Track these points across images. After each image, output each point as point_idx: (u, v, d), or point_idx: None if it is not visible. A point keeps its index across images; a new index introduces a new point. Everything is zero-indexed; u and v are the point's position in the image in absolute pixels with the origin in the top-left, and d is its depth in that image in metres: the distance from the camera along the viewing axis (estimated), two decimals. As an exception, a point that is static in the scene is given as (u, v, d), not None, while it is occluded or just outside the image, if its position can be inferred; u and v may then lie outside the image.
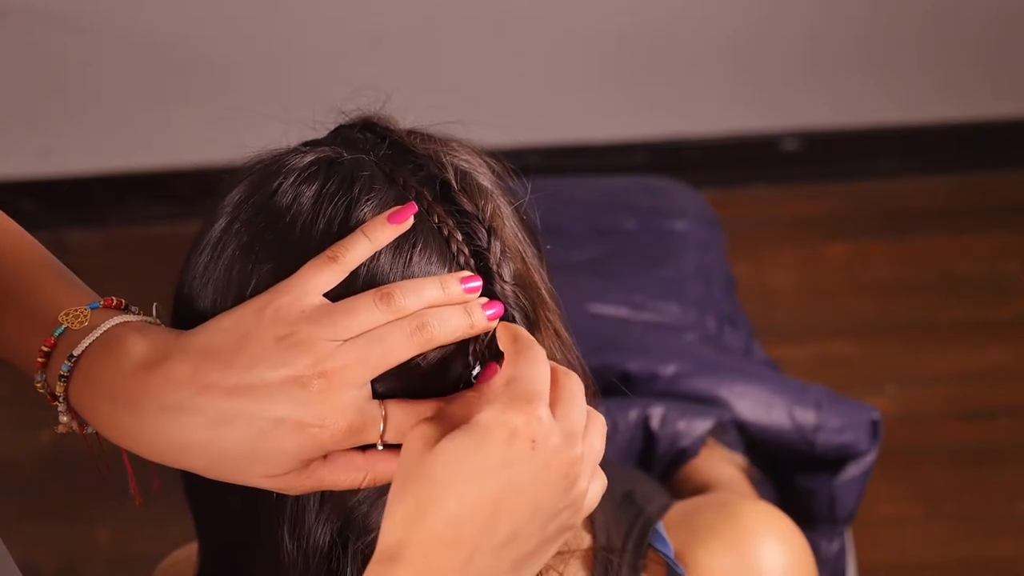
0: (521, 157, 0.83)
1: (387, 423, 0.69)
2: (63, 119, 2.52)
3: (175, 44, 2.45)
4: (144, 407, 0.68)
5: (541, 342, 0.76)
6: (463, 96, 2.46)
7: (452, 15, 2.43)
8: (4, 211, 0.81)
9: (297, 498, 0.73)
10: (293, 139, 0.78)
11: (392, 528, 0.66)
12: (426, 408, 0.71)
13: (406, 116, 0.80)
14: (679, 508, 0.97)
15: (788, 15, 2.45)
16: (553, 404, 0.69)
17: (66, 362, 0.70)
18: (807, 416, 1.39)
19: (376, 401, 0.70)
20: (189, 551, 0.92)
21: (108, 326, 0.71)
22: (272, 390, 0.67)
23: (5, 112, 2.52)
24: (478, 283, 0.72)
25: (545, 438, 0.67)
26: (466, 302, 0.72)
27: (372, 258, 0.71)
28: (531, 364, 0.69)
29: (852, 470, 1.38)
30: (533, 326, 0.76)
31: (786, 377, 1.50)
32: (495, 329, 0.73)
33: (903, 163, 2.58)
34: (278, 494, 0.72)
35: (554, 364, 0.72)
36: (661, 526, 0.93)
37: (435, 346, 0.71)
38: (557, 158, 2.52)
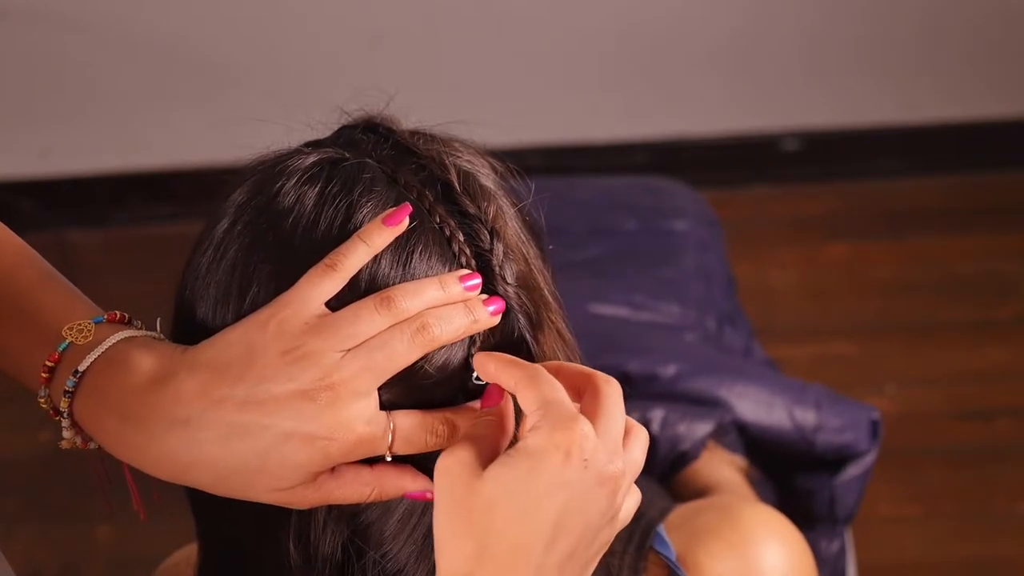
0: (521, 157, 0.82)
1: (395, 434, 0.69)
2: (63, 119, 2.52)
3: (175, 44, 2.45)
4: (152, 423, 0.68)
5: (544, 344, 0.76)
6: (463, 96, 2.46)
7: (452, 15, 2.43)
8: (4, 211, 0.80)
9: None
10: (295, 140, 0.78)
11: (460, 562, 0.67)
12: (434, 419, 0.71)
13: (409, 116, 0.79)
14: (680, 511, 0.97)
15: (787, 15, 2.45)
16: (595, 414, 0.69)
17: (71, 378, 0.70)
18: (807, 416, 1.39)
19: (384, 412, 0.69)
20: (189, 551, 0.92)
21: (113, 341, 0.71)
22: (280, 404, 0.67)
23: (5, 112, 2.52)
24: (477, 280, 0.72)
25: (593, 454, 0.67)
26: (467, 300, 0.72)
27: (374, 263, 0.71)
28: (554, 388, 0.69)
29: (852, 470, 1.38)
30: (536, 328, 0.76)
31: (786, 377, 1.50)
32: (492, 363, 0.72)
33: (903, 163, 2.58)
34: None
35: (596, 371, 0.71)
36: (662, 529, 0.93)
37: (439, 346, 0.70)
38: (557, 158, 2.52)
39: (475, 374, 0.73)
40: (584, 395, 0.71)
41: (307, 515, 0.73)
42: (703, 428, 1.34)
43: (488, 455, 0.68)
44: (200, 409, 0.68)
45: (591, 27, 2.46)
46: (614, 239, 1.64)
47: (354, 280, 0.70)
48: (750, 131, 2.57)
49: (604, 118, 2.55)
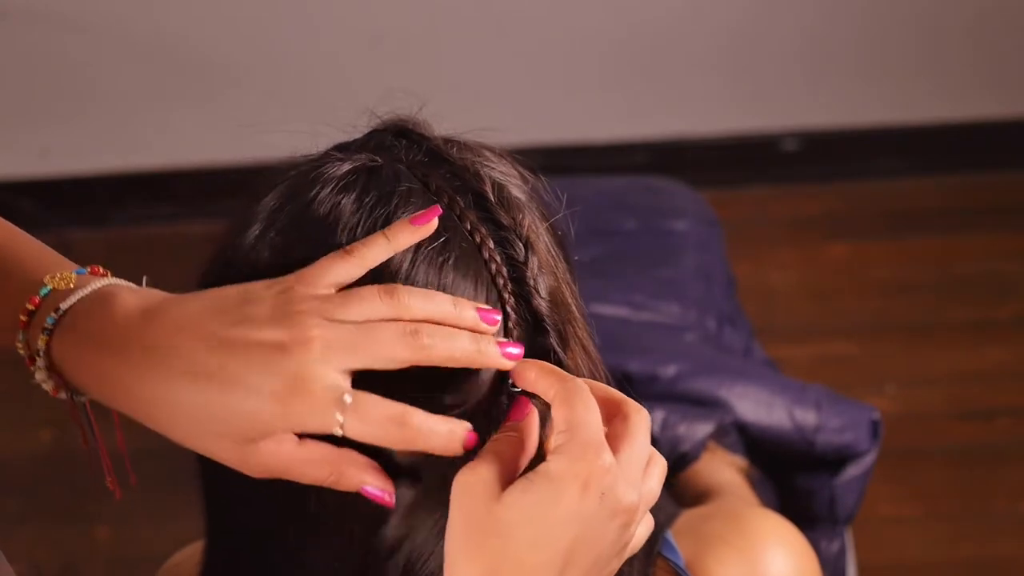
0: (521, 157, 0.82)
1: (348, 412, 0.66)
2: (63, 119, 2.52)
3: (175, 44, 2.45)
4: (130, 349, 0.67)
5: (572, 359, 0.75)
6: (463, 96, 2.46)
7: (452, 15, 2.43)
8: (4, 211, 0.80)
9: (322, 497, 0.71)
10: (301, 142, 0.77)
11: None
12: (400, 408, 0.67)
13: (441, 123, 0.78)
14: (687, 517, 0.98)
15: (787, 15, 2.45)
16: (620, 442, 0.68)
17: (52, 315, 0.69)
18: (807, 416, 1.39)
19: (350, 389, 0.67)
20: (192, 551, 0.92)
21: (99, 285, 0.70)
22: (252, 351, 0.66)
23: (5, 112, 2.52)
24: (497, 317, 0.70)
25: (612, 487, 0.67)
26: (476, 331, 0.70)
27: (410, 268, 0.70)
28: (588, 409, 0.68)
29: (852, 470, 1.38)
30: (564, 343, 0.75)
31: (786, 377, 1.50)
32: (534, 370, 0.70)
33: (902, 163, 2.58)
34: (306, 490, 0.70)
35: (627, 399, 0.71)
36: (670, 534, 0.93)
37: (430, 361, 0.68)
38: (557, 158, 2.52)
39: (511, 381, 0.71)
40: (613, 421, 0.70)
41: (316, 513, 0.72)
42: (703, 429, 1.34)
43: (508, 474, 0.68)
44: (182, 339, 0.67)
45: (591, 27, 2.46)
46: (614, 239, 1.64)
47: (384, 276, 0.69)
48: (750, 131, 2.57)
49: (604, 118, 2.55)
